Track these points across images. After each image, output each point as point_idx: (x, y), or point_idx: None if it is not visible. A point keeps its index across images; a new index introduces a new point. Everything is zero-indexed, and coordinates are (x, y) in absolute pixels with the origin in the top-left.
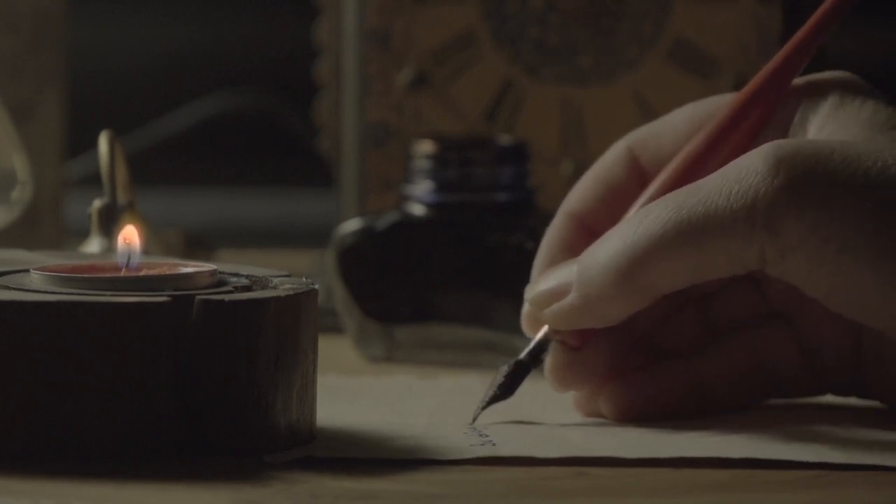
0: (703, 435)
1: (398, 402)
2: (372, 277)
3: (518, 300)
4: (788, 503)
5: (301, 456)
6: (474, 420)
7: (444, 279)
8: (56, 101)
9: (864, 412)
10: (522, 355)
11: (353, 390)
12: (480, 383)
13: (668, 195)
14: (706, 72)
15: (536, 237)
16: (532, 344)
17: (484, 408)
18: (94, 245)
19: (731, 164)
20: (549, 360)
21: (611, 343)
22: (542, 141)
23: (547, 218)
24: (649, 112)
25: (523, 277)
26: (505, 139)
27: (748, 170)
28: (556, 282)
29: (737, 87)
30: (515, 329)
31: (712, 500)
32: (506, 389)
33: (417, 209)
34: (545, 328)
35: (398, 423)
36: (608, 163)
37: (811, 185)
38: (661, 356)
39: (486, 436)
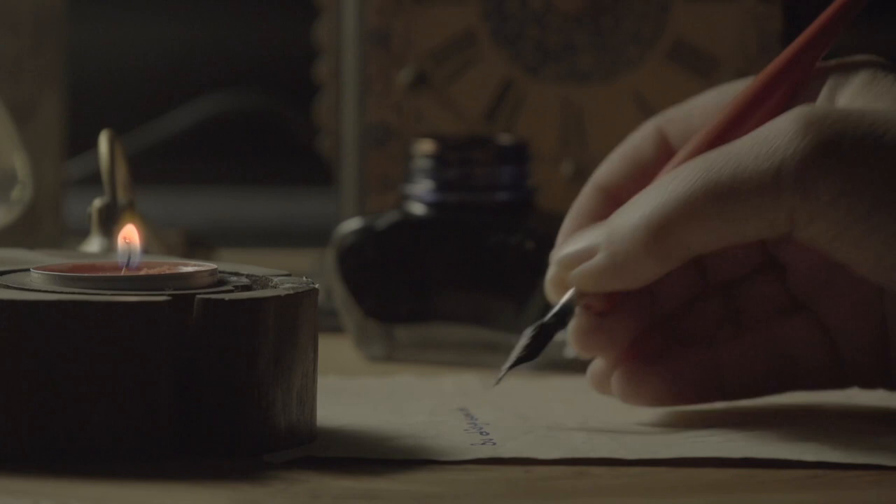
0: (703, 435)
1: (398, 402)
2: (372, 277)
3: (518, 300)
4: (788, 503)
5: (301, 456)
6: (498, 382)
7: (444, 279)
8: (56, 101)
9: (864, 411)
10: (547, 317)
11: (354, 390)
12: (480, 383)
13: (699, 157)
14: (706, 72)
15: (536, 237)
16: (557, 306)
17: (510, 368)
18: (94, 245)
19: (762, 126)
20: (572, 323)
21: (634, 315)
22: (542, 141)
23: (547, 218)
24: (649, 112)
25: (523, 277)
26: (505, 139)
27: (777, 131)
28: (585, 243)
29: None
30: (515, 328)
31: (712, 500)
32: (531, 351)
33: (417, 209)
34: (571, 291)
35: (398, 423)
36: (637, 140)
37: (840, 146)
38: (680, 343)
39: (487, 434)
